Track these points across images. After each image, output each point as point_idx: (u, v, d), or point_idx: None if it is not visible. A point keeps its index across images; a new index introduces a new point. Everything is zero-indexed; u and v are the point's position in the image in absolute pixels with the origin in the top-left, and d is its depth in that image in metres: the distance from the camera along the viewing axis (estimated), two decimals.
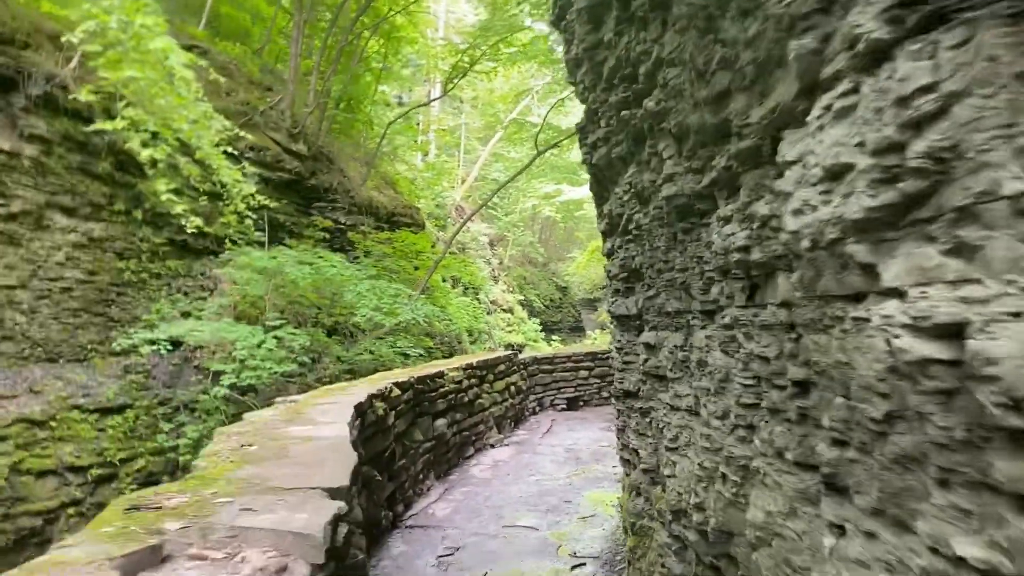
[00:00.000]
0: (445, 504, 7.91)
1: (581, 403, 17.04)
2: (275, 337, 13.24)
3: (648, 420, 5.11)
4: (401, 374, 8.63)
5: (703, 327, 4.07)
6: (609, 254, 5.82)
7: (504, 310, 28.47)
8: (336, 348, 14.77)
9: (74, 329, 12.47)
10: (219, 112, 15.96)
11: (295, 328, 13.97)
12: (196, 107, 10.32)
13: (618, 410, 6.02)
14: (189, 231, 11.17)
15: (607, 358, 16.73)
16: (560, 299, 35.30)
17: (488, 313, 25.88)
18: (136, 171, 12.89)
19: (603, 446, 11.47)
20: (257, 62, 18.55)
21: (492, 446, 11.90)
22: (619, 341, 5.77)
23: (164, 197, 10.45)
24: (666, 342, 4.62)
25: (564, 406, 16.74)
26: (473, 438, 11.24)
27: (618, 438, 6.21)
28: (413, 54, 22.45)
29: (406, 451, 7.57)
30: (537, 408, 16.36)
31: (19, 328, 11.46)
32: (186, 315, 13.83)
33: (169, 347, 12.79)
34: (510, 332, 27.07)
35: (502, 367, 13.66)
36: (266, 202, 12.90)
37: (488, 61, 19.45)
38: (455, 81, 20.51)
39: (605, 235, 5.96)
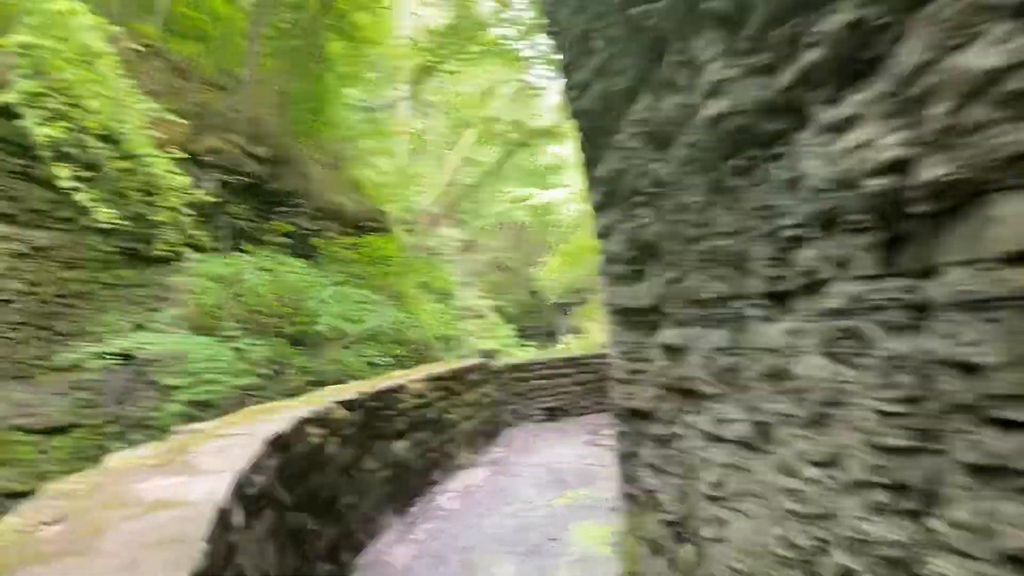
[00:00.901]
0: (404, 548, 6.04)
1: (561, 413, 15.01)
2: (233, 348, 11.76)
3: (670, 452, 3.56)
4: (350, 389, 6.80)
5: (768, 318, 2.49)
6: (605, 233, 4.22)
7: (477, 316, 26.89)
8: (300, 359, 13.19)
9: (15, 344, 10.99)
10: (172, 113, 14.42)
11: (256, 338, 12.45)
12: (112, 84, 8.47)
13: (621, 432, 4.39)
14: (103, 224, 9.43)
15: (587, 363, 15.24)
16: (533, 304, 33.70)
17: (460, 319, 24.31)
18: (84, 177, 11.42)
19: (588, 464, 9.66)
20: (213, 62, 16.84)
21: (462, 467, 9.90)
22: (622, 343, 4.19)
23: (66, 184, 8.71)
24: (699, 342, 3.10)
25: (542, 417, 14.72)
26: (441, 459, 9.25)
27: (620, 465, 4.55)
28: (379, 56, 20.91)
29: (355, 485, 5.79)
30: (513, 420, 14.23)
31: None
32: (139, 327, 12.26)
33: (119, 361, 11.21)
34: (483, 338, 25.50)
35: (473, 376, 11.69)
36: (202, 196, 11.16)
37: (455, 61, 17.95)
38: (421, 81, 18.93)
39: (598, 209, 4.35)
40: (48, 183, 10.92)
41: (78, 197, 9.01)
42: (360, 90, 23.14)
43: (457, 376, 10.43)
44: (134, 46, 15.11)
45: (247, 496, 2.90)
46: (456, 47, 17.29)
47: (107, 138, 9.96)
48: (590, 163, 4.35)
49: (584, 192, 4.85)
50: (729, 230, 2.67)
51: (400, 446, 7.35)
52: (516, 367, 14.64)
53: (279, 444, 3.64)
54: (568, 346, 22.79)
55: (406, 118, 28.10)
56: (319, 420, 4.55)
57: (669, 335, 3.45)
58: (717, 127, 2.51)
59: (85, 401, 11.02)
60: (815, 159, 2.00)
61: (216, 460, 3.03)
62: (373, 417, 6.46)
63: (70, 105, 8.74)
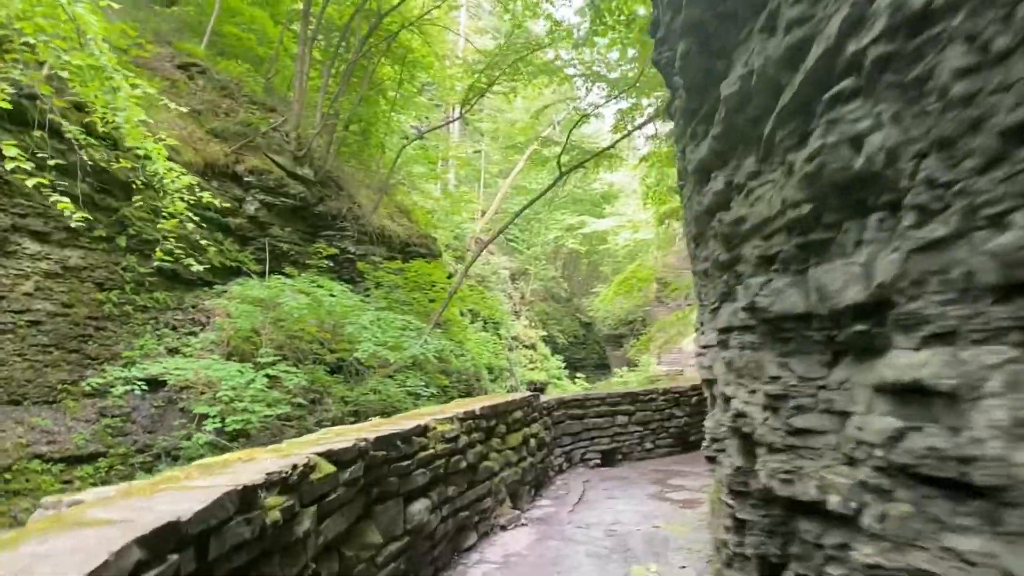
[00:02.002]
0: None
1: (619, 457, 12.65)
2: (267, 376, 10.69)
3: None
4: (350, 433, 4.87)
5: None
6: (727, 190, 2.71)
7: (526, 346, 25.48)
8: (339, 388, 12.05)
9: (42, 367, 10.16)
10: (215, 135, 13.53)
11: (293, 366, 11.36)
12: (91, 55, 6.87)
13: (744, 521, 2.79)
14: (74, 223, 7.98)
15: (649, 400, 13.31)
16: (584, 335, 32.10)
17: (509, 349, 22.95)
18: (119, 194, 10.50)
19: (657, 527, 7.71)
20: (260, 82, 15.98)
21: (503, 527, 7.78)
22: (769, 380, 2.53)
23: (9, 166, 7.22)
24: (1014, 381, 1.55)
25: (598, 461, 12.38)
26: (476, 519, 7.17)
27: (732, 567, 2.91)
28: (429, 79, 19.84)
29: (345, 569, 4.06)
30: (564, 464, 11.84)
31: None
32: (174, 352, 11.34)
33: (145, 387, 10.32)
34: (532, 369, 24.09)
35: (519, 414, 9.38)
36: (209, 198, 9.83)
37: (507, 81, 16.79)
38: (472, 103, 17.74)
39: (696, 135, 2.79)
40: (84, 201, 10.07)
41: (28, 183, 7.53)
42: (410, 114, 22.21)
43: (498, 414, 8.41)
44: (178, 64, 14.42)
45: None
46: (508, 68, 16.08)
47: (91, 127, 8.82)
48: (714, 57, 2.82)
49: (680, 104, 3.31)
50: None
51: (419, 508, 5.47)
52: (568, 403, 12.54)
53: (176, 538, 2.16)
54: (622, 379, 21.16)
55: (457, 143, 27.12)
56: (283, 483, 3.13)
57: (910, 364, 1.85)
58: None
59: (113, 428, 10.14)
60: None
61: None
62: (380, 470, 4.78)
63: (44, 77, 7.44)
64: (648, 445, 13.18)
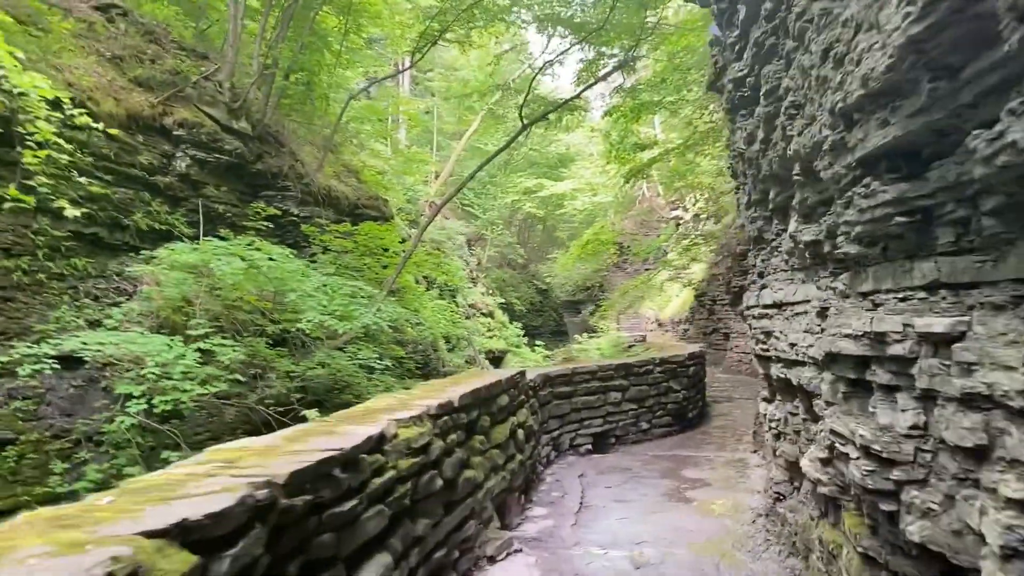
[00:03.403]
0: None
1: (612, 440, 10.86)
2: (199, 350, 9.36)
3: None
4: (244, 459, 2.98)
5: None
6: None
7: (484, 314, 24.30)
8: (283, 362, 10.76)
9: None
10: (139, 84, 11.91)
11: (231, 338, 10.08)
12: None
13: None
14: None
15: (645, 373, 11.60)
16: (541, 302, 31.12)
17: (467, 317, 21.76)
18: (23, 146, 8.98)
19: (698, 549, 5.80)
20: (191, 27, 14.30)
21: (492, 559, 5.71)
22: None
23: None
24: None
25: (589, 447, 10.59)
26: (455, 555, 5.18)
27: None
28: (377, 31, 18.21)
29: None
30: (553, 454, 9.97)
31: None
32: (95, 324, 9.92)
33: (57, 365, 8.85)
34: (491, 338, 22.95)
35: (504, 399, 7.16)
36: (86, 120, 8.37)
37: (461, 29, 15.40)
38: (424, 51, 16.26)
39: None
40: None
41: None
42: (357, 69, 20.57)
43: (481, 402, 6.29)
44: (95, 5, 12.71)
45: None
46: (463, 12, 14.67)
47: None
48: None
49: None
50: None
51: (374, 570, 3.55)
52: (555, 379, 10.55)
53: None
54: (583, 347, 20.18)
55: (408, 98, 25.48)
56: None
57: None
58: None
59: (24, 412, 8.70)
60: None
61: None
62: (302, 529, 2.91)
63: None
64: (644, 425, 11.67)
